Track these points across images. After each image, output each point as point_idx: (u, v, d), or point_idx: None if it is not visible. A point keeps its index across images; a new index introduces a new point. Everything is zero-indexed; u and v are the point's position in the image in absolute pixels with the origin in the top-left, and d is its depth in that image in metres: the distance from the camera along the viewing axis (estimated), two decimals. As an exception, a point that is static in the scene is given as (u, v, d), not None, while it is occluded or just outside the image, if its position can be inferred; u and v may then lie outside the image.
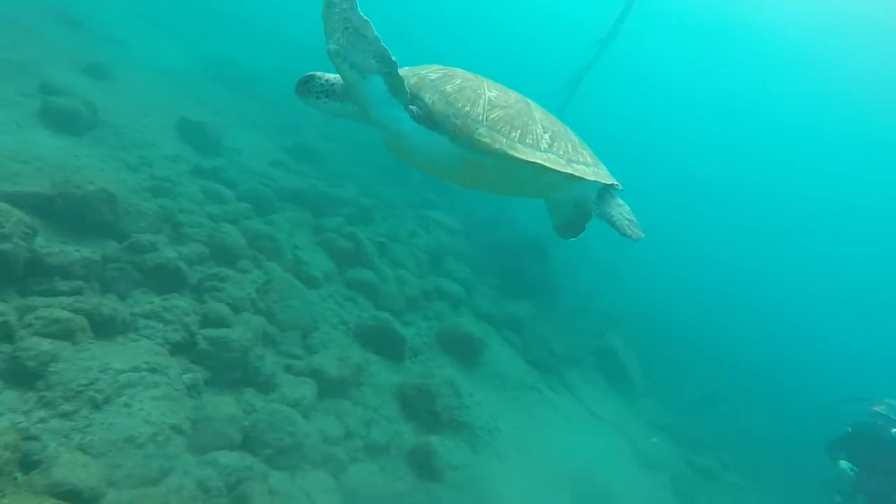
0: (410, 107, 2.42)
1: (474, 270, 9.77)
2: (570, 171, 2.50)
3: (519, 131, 2.49)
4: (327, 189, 8.60)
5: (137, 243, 4.53)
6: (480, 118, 2.43)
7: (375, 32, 2.19)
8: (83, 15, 10.57)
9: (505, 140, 2.42)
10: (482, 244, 11.19)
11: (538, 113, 2.67)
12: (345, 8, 2.18)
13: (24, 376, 3.10)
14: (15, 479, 2.63)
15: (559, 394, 8.33)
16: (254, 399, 4.07)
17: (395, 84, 2.29)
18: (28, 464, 2.71)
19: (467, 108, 2.43)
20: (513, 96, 2.66)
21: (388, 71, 2.24)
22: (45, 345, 3.23)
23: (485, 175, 2.61)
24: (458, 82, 2.54)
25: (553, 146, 2.55)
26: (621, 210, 2.87)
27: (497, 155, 2.41)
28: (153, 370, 3.61)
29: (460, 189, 14.27)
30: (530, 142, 2.49)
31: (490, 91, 2.58)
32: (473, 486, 5.03)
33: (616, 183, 2.78)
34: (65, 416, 3.04)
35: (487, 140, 2.39)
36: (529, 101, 2.76)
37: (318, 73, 2.57)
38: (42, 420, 2.96)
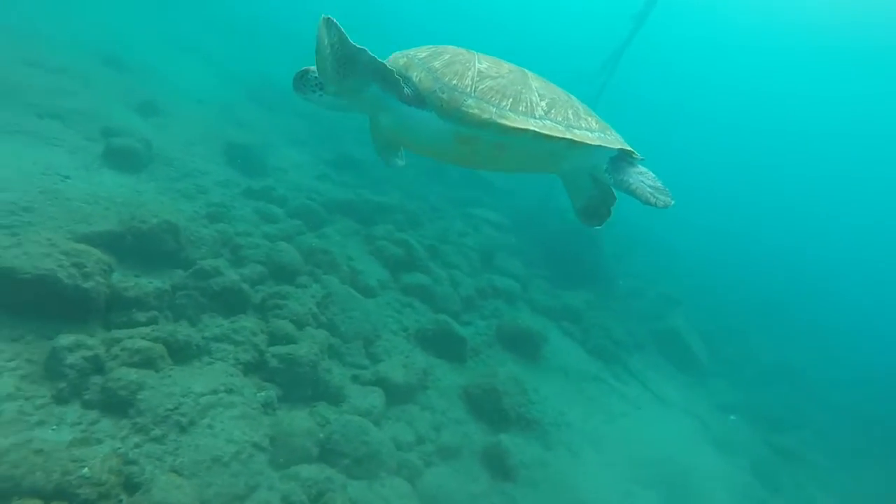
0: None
1: (526, 264, 9.74)
2: (569, 136, 2.38)
3: (511, 100, 2.39)
4: (373, 197, 8.73)
5: (202, 269, 4.73)
6: (469, 90, 2.37)
7: (370, 55, 2.23)
8: (124, 54, 11.07)
9: (495, 110, 2.33)
10: (531, 237, 11.12)
11: (535, 82, 2.57)
12: (334, 43, 2.23)
13: (117, 405, 3.29)
14: (120, 501, 2.80)
15: (624, 382, 8.20)
16: (326, 412, 4.18)
17: (392, 85, 2.34)
18: (130, 486, 2.88)
19: (454, 82, 2.38)
20: (506, 67, 2.57)
21: (385, 80, 2.31)
22: (132, 374, 3.42)
23: (481, 150, 2.53)
24: (446, 57, 2.50)
25: (550, 113, 2.43)
26: (642, 178, 2.62)
27: (487, 126, 2.32)
28: (230, 391, 3.76)
29: (503, 184, 14.28)
30: (523, 110, 2.38)
31: (481, 63, 2.51)
32: (549, 483, 5.02)
33: (631, 150, 2.62)
34: (156, 440, 3.21)
35: (476, 111, 2.31)
36: (527, 71, 2.66)
37: (311, 68, 2.59)
38: (137, 445, 3.13)
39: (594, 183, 2.79)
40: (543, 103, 2.45)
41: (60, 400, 3.25)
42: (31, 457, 2.64)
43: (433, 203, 10.68)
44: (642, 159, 2.72)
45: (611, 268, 11.36)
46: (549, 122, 2.38)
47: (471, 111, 2.30)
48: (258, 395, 3.95)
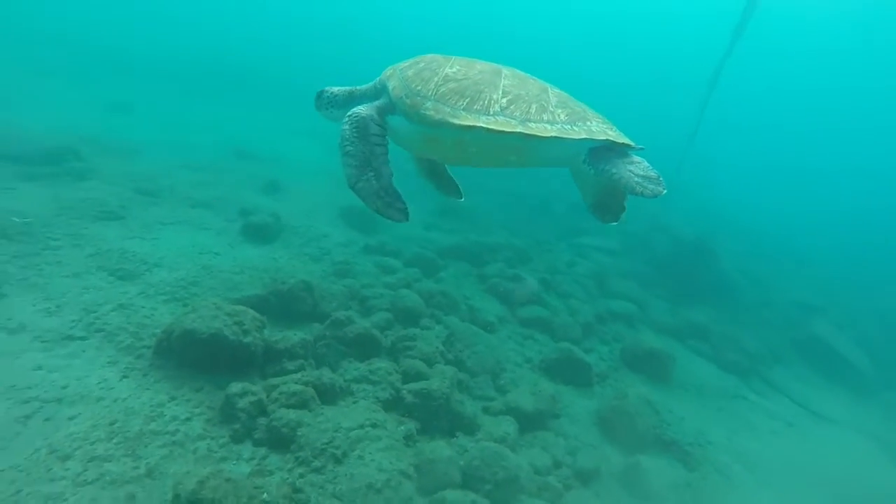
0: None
1: (642, 286, 9.51)
2: (520, 130, 2.37)
3: (468, 100, 2.46)
4: (481, 238, 9.06)
5: (337, 320, 5.20)
6: (430, 93, 2.48)
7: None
8: (247, 145, 12.57)
9: (448, 110, 2.42)
10: (644, 258, 10.86)
11: (507, 80, 2.59)
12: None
13: (281, 441, 3.71)
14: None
15: (768, 397, 7.64)
16: (463, 441, 4.38)
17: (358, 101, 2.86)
18: (300, 513, 3.22)
19: (419, 87, 2.52)
20: (478, 68, 2.64)
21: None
22: (291, 414, 3.84)
23: (448, 147, 2.62)
24: (421, 65, 2.65)
25: (508, 109, 2.44)
26: (631, 167, 2.51)
27: (441, 125, 2.42)
28: (374, 425, 4.08)
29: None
30: (478, 108, 2.43)
31: (451, 68, 2.62)
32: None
33: (615, 141, 2.52)
34: (317, 470, 3.57)
35: (431, 112, 2.43)
36: (506, 70, 2.70)
37: (326, 88, 3.00)
38: (301, 475, 3.50)
39: (595, 177, 2.68)
40: (504, 100, 2.47)
41: (236, 439, 3.73)
42: (224, 484, 3.06)
43: (539, 238, 10.82)
44: (640, 149, 2.63)
45: (732, 279, 10.73)
46: (501, 117, 2.41)
47: (427, 112, 2.44)
48: (399, 428, 4.23)
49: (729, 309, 9.94)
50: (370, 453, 3.82)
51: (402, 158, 2.87)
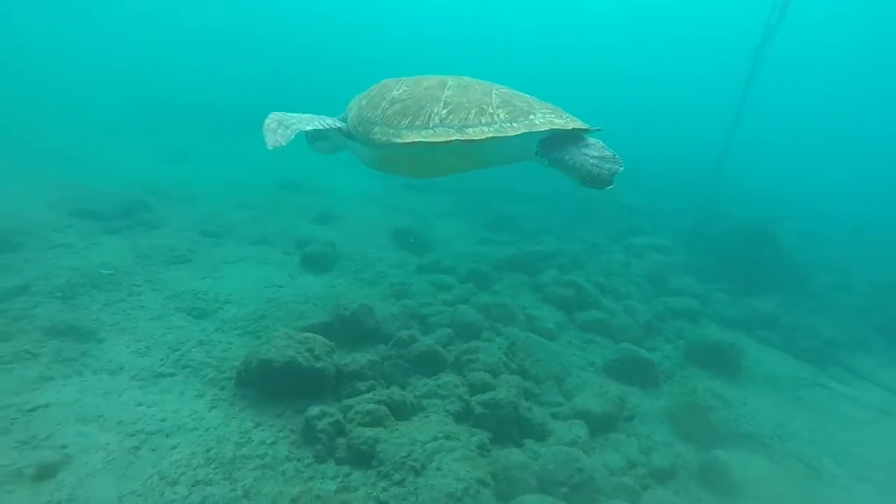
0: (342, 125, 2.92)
1: (701, 280, 9.35)
2: (456, 137, 2.46)
3: (410, 118, 2.57)
4: (533, 248, 9.14)
5: (400, 339, 5.40)
6: (378, 118, 2.65)
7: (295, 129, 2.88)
8: (297, 177, 13.10)
9: (392, 131, 2.57)
10: (701, 251, 10.66)
11: (450, 91, 2.68)
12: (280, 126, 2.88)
13: (362, 458, 3.89)
14: (382, 537, 3.30)
15: (851, 385, 7.32)
16: (535, 447, 4.45)
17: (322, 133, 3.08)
18: (386, 525, 3.39)
19: (369, 114, 2.70)
20: (425, 84, 2.74)
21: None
22: (368, 432, 4.03)
23: (405, 164, 2.80)
24: (373, 93, 2.83)
25: (447, 119, 2.53)
26: (586, 150, 2.53)
27: (388, 146, 2.58)
28: (448, 437, 4.21)
29: (658, 207, 13.92)
30: (419, 123, 2.54)
31: (398, 90, 2.76)
32: (789, 497, 4.66)
33: (563, 128, 2.53)
34: (398, 483, 3.73)
35: (378, 135, 2.61)
36: (452, 81, 2.78)
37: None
38: (384, 489, 3.67)
39: (552, 166, 2.76)
40: (444, 111, 2.57)
41: (319, 459, 3.94)
42: (315, 501, 3.27)
43: (591, 242, 10.81)
44: (597, 130, 2.63)
45: (798, 264, 10.34)
46: (440, 129, 2.51)
47: (375, 136, 2.63)
48: (472, 439, 4.35)
49: (798, 296, 9.61)
50: (447, 464, 3.95)
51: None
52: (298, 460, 3.89)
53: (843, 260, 12.83)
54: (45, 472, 3.32)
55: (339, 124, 3.15)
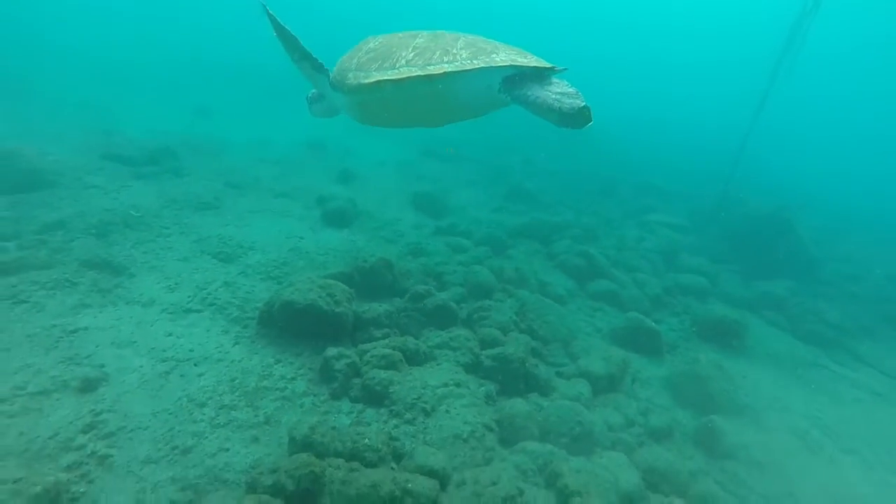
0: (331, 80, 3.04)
1: (713, 260, 9.45)
2: (417, 73, 2.55)
3: (379, 62, 2.69)
4: (549, 218, 9.28)
5: (416, 293, 5.61)
6: (353, 66, 2.78)
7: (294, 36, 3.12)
8: (322, 139, 13.25)
9: (363, 74, 2.70)
10: (715, 233, 10.72)
11: (421, 39, 2.77)
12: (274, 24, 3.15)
13: (375, 397, 4.14)
14: (392, 466, 3.55)
15: (853, 368, 7.47)
16: (539, 400, 4.68)
17: (307, 59, 3.19)
18: (397, 455, 3.64)
19: (346, 64, 2.84)
20: (399, 35, 2.84)
21: (305, 56, 3.21)
22: (383, 374, 4.27)
23: (377, 108, 2.93)
24: (354, 48, 2.98)
25: (412, 61, 2.62)
26: (549, 87, 2.55)
27: (358, 89, 2.72)
28: (458, 385, 4.45)
29: (676, 188, 13.92)
30: (387, 66, 2.66)
31: (375, 41, 2.89)
32: (777, 465, 4.87)
33: (523, 64, 2.56)
34: (409, 422, 3.98)
35: (350, 80, 2.76)
36: (426, 32, 2.87)
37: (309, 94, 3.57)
38: (396, 426, 3.92)
39: (515, 102, 2.77)
40: (411, 55, 2.67)
41: (335, 396, 4.19)
42: (331, 431, 3.52)
43: (607, 217, 10.91)
44: (562, 70, 2.64)
45: (812, 252, 10.38)
46: (404, 68, 2.61)
47: (348, 81, 2.78)
48: (480, 388, 4.59)
49: (809, 282, 9.68)
50: (455, 408, 4.19)
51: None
52: (315, 395, 4.15)
53: (860, 251, 12.82)
54: (88, 386, 3.61)
55: (325, 76, 3.34)
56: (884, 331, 8.94)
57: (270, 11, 3.19)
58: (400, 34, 2.96)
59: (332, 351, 4.39)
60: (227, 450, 3.45)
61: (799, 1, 14.26)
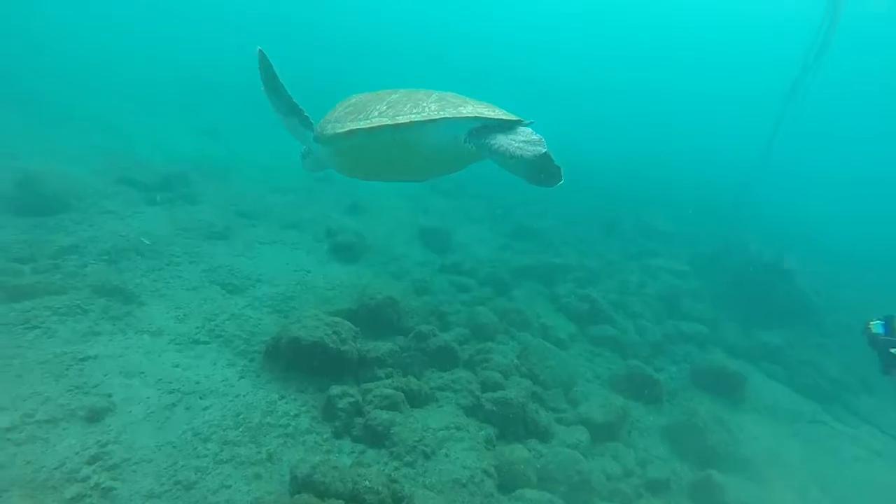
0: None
1: (713, 307, 9.51)
2: (387, 122, 2.69)
3: (354, 115, 2.84)
4: (552, 259, 9.38)
5: (420, 333, 5.68)
6: (332, 119, 2.94)
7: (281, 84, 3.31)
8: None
9: (339, 125, 2.85)
10: (716, 279, 10.79)
11: (396, 95, 2.91)
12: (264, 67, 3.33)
13: (377, 438, 4.19)
14: (391, 510, 3.58)
15: (851, 425, 7.47)
16: (538, 446, 4.71)
17: (294, 111, 3.35)
18: (397, 498, 3.65)
19: (327, 118, 3.00)
20: (378, 92, 3.01)
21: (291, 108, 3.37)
22: (385, 415, 4.32)
23: (352, 158, 3.11)
24: (338, 104, 3.13)
25: (385, 112, 2.75)
26: (512, 136, 2.65)
27: (334, 138, 2.88)
28: (458, 428, 4.50)
29: (679, 230, 14.06)
30: (361, 117, 2.80)
31: (355, 98, 3.08)
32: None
33: (488, 116, 2.68)
34: (409, 464, 4.01)
35: (328, 131, 2.92)
36: (403, 90, 3.03)
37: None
38: (396, 468, 3.96)
39: (479, 151, 2.89)
40: (384, 107, 2.80)
41: (337, 435, 4.24)
42: (332, 471, 3.56)
43: (609, 259, 11.01)
44: (528, 123, 2.75)
45: (813, 303, 10.43)
46: (376, 119, 2.74)
47: (326, 132, 2.94)
48: (480, 432, 4.63)
49: (807, 333, 9.71)
50: (455, 452, 4.24)
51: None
52: (318, 433, 4.20)
53: (860, 301, 12.84)
54: (95, 416, 3.66)
55: (311, 131, 3.50)
56: (883, 386, 8.93)
57: (267, 58, 3.32)
58: (379, 92, 3.11)
59: (335, 389, 4.45)
60: (230, 487, 3.49)
61: (808, 42, 14.58)
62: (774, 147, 16.12)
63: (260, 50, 3.31)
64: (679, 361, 7.44)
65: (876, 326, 3.86)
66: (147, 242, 6.55)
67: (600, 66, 51.35)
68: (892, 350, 3.79)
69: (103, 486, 3.21)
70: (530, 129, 2.77)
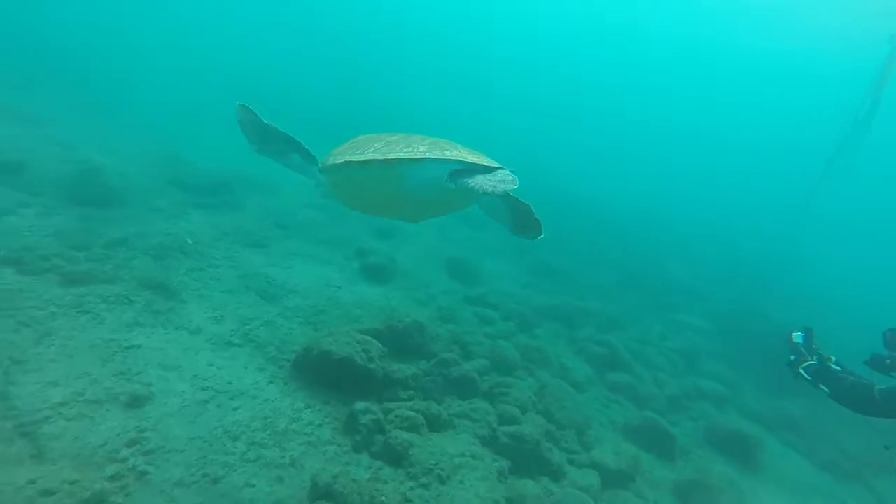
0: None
1: (733, 369, 9.46)
2: (378, 157, 2.89)
3: (354, 149, 3.04)
4: (575, 302, 9.47)
5: (444, 360, 5.82)
6: (335, 154, 3.14)
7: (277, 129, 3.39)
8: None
9: (338, 158, 3.05)
10: (737, 341, 10.73)
11: (395, 136, 3.13)
12: (249, 121, 3.41)
13: (395, 457, 4.30)
14: (404, 528, 3.68)
15: (867, 505, 7.32)
16: (549, 485, 4.77)
17: (296, 147, 3.47)
18: (410, 518, 3.77)
19: (333, 152, 3.19)
20: (382, 134, 3.22)
21: (292, 144, 3.46)
22: (405, 435, 4.44)
23: (349, 189, 3.28)
24: (345, 143, 3.31)
25: (379, 150, 2.95)
26: (489, 176, 2.88)
27: (331, 168, 3.08)
28: (473, 457, 4.59)
29: (702, 287, 14.03)
30: (358, 152, 2.99)
31: (361, 137, 3.28)
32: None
33: (469, 160, 2.90)
34: (424, 486, 4.12)
35: (328, 162, 3.12)
36: (401, 133, 3.24)
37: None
38: (411, 488, 4.06)
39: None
40: (380, 145, 3.01)
41: (357, 449, 4.37)
42: (350, 483, 3.69)
43: (631, 307, 11.04)
44: (503, 168, 3.01)
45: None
46: (370, 154, 2.94)
47: (327, 163, 3.17)
48: (494, 464, 4.71)
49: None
50: (469, 480, 4.32)
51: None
52: (339, 445, 4.33)
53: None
54: (135, 402, 3.87)
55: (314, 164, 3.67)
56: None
57: (250, 110, 3.42)
58: (382, 133, 3.34)
59: (360, 405, 4.59)
60: (253, 486, 3.64)
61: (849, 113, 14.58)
62: (817, 199, 16.04)
63: (240, 105, 3.42)
64: (696, 419, 7.42)
65: (797, 337, 4.00)
66: (190, 242, 6.85)
67: (638, 105, 51.55)
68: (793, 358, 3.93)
69: (139, 469, 3.38)
70: (507, 171, 3.03)
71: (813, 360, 3.73)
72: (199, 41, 26.64)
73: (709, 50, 46.54)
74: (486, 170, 3.00)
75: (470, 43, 50.62)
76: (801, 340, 3.96)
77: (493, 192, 2.80)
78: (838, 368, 3.68)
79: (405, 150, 2.96)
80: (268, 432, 4.14)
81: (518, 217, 3.11)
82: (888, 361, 3.40)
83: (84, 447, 3.31)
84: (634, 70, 53.07)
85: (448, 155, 2.97)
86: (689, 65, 50.72)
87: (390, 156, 2.92)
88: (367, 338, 5.19)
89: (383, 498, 3.74)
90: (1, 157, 6.97)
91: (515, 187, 2.83)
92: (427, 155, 2.92)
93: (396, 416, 4.65)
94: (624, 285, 12.75)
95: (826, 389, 3.61)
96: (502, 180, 2.87)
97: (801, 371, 3.76)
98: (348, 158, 3.01)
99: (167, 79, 18.43)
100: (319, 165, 3.41)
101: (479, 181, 2.85)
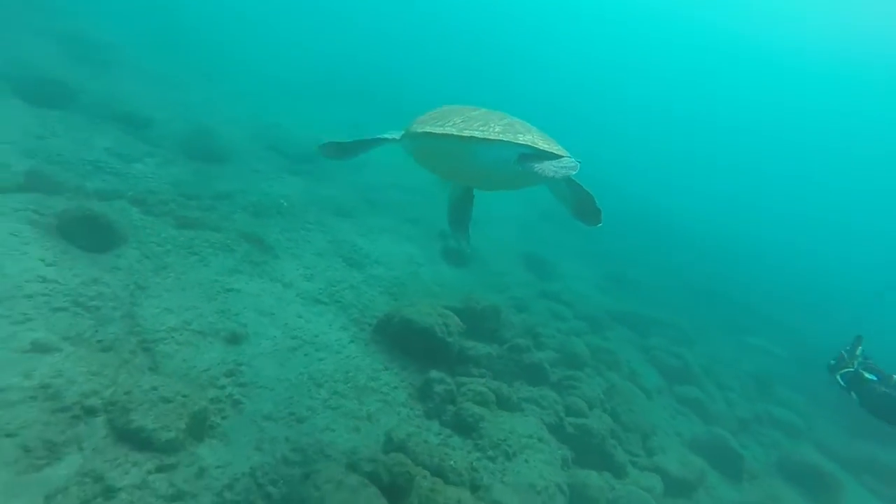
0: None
1: (811, 402, 8.96)
2: (453, 132, 2.92)
3: (436, 120, 3.05)
4: (647, 312, 9.28)
5: (517, 345, 5.88)
6: (418, 122, 3.17)
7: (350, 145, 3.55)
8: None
9: (420, 126, 3.08)
10: (817, 374, 10.12)
11: (475, 111, 3.14)
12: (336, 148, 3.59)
13: (465, 427, 4.42)
14: (468, 491, 3.79)
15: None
16: (611, 480, 4.75)
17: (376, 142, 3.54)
18: (474, 485, 3.87)
19: (415, 120, 3.23)
20: (463, 106, 3.24)
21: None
22: (475, 409, 4.55)
23: (428, 156, 3.31)
24: (432, 109, 3.34)
25: (458, 125, 2.97)
26: (555, 162, 2.95)
27: (414, 136, 3.13)
28: (540, 440, 4.63)
29: (782, 317, 13.34)
30: (439, 124, 3.01)
31: (443, 107, 3.29)
32: None
33: (540, 146, 2.93)
34: (491, 459, 4.21)
35: (410, 129, 3.17)
36: (482, 108, 3.25)
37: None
38: (478, 459, 4.17)
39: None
40: (459, 120, 3.03)
41: (428, 415, 4.52)
42: (423, 443, 3.83)
43: (703, 324, 10.67)
44: (577, 162, 3.01)
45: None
46: (449, 128, 2.96)
47: (410, 130, 3.22)
48: (558, 451, 4.74)
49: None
50: (534, 461, 4.38)
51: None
52: (412, 409, 4.49)
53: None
54: (234, 339, 4.17)
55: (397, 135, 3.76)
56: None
57: (332, 144, 3.60)
58: (465, 106, 3.43)
59: (435, 374, 4.74)
60: (333, 430, 3.85)
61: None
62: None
63: (318, 147, 3.62)
64: (766, 445, 7.11)
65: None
66: (285, 204, 7.23)
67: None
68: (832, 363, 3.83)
69: (235, 397, 3.67)
70: (572, 159, 3.09)
71: (852, 368, 3.64)
72: (308, 23, 27.72)
73: (808, 62, 43.79)
74: (554, 156, 3.08)
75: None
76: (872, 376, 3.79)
77: (553, 176, 2.91)
78: (874, 378, 3.56)
79: (482, 128, 3.07)
80: (349, 385, 4.35)
81: (579, 202, 3.18)
82: None
83: (191, 369, 3.62)
84: (727, 78, 50.91)
85: (520, 139, 3.06)
86: (781, 75, 47.90)
87: (466, 133, 3.04)
88: (448, 312, 5.32)
89: (452, 462, 3.86)
90: (135, 113, 7.61)
91: (575, 173, 2.92)
92: (500, 137, 3.03)
93: (469, 390, 4.76)
94: (697, 301, 12.33)
95: (856, 397, 3.52)
96: (564, 166, 2.96)
97: (838, 377, 3.68)
98: (429, 129, 3.13)
99: (274, 55, 19.31)
100: (403, 131, 3.61)
101: (543, 166, 2.95)
